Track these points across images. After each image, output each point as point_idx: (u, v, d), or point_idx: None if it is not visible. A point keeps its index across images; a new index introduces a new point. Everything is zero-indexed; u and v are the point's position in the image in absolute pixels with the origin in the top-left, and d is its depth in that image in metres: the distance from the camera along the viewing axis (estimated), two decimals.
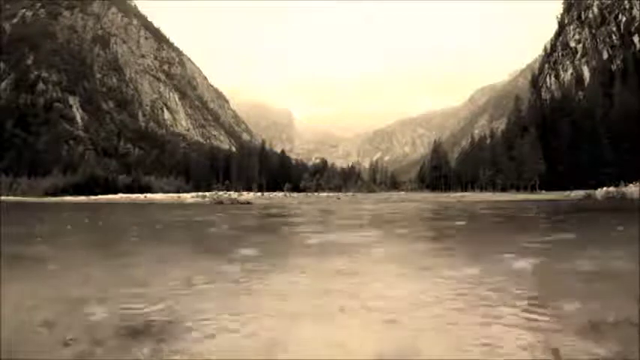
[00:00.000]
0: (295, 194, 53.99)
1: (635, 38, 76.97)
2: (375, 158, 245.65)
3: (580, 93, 71.01)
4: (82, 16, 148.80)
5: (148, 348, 1.85)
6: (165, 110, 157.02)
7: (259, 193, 51.22)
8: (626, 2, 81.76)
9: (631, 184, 26.61)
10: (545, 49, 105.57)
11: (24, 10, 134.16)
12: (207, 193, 39.81)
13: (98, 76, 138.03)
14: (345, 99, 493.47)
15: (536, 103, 79.74)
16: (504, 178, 59.39)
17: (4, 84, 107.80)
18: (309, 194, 55.66)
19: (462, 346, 1.90)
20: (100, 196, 43.39)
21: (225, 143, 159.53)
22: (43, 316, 2.30)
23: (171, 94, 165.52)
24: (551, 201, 25.14)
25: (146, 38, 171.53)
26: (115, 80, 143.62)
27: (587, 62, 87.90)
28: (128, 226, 10.45)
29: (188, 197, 36.29)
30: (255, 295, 2.81)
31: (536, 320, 2.20)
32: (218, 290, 2.94)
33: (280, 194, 50.57)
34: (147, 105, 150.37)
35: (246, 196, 35.60)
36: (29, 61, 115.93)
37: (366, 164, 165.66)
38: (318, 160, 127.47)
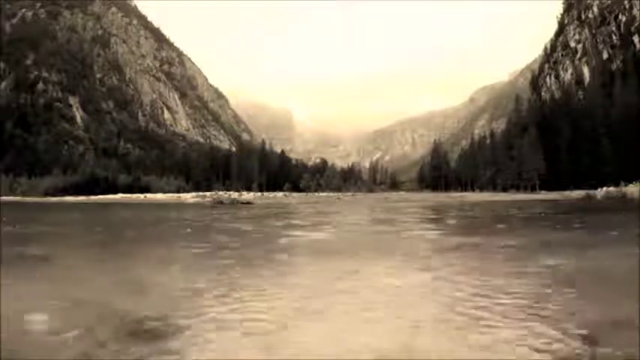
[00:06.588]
0: (295, 194, 54.00)
1: (635, 38, 77.01)
2: (375, 158, 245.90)
3: (580, 93, 71.06)
4: (82, 16, 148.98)
5: (147, 348, 1.86)
6: (165, 110, 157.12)
7: (259, 193, 51.21)
8: (626, 2, 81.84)
9: (631, 184, 26.56)
10: (545, 49, 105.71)
11: (24, 10, 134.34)
12: (207, 193, 39.77)
13: (98, 76, 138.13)
14: (345, 99, 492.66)
15: (536, 103, 79.88)
16: (504, 178, 59.51)
17: (4, 84, 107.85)
18: (308, 194, 55.68)
19: (460, 345, 1.89)
20: (100, 196, 43.39)
21: (225, 143, 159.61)
22: (43, 316, 2.29)
23: (171, 94, 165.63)
24: (554, 200, 25.15)
25: (146, 38, 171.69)
26: (115, 80, 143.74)
27: (587, 62, 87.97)
28: (129, 226, 10.45)
29: (188, 197, 36.27)
30: (256, 295, 2.80)
31: (536, 318, 2.19)
32: (218, 290, 2.93)
33: (280, 194, 50.58)
34: (147, 105, 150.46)
35: (247, 196, 35.54)
36: (29, 61, 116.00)
37: (366, 164, 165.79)
38: (318, 160, 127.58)
